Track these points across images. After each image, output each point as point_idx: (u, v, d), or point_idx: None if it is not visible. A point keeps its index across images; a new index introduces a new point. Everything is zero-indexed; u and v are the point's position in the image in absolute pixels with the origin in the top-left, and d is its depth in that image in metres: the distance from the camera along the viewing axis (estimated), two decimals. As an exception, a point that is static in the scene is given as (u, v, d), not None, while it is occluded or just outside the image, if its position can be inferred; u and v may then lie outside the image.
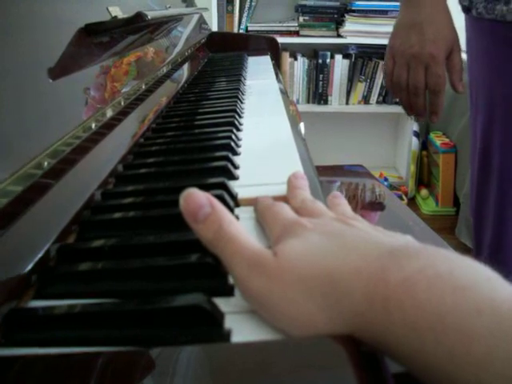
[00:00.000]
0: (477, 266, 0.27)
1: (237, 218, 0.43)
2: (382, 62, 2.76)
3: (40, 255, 0.35)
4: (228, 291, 0.33)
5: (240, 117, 0.77)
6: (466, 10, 0.89)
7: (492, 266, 0.27)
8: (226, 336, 0.28)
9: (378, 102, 2.83)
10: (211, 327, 0.29)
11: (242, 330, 0.29)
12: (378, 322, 0.26)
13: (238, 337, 0.29)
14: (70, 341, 0.29)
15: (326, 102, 2.82)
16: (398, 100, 0.92)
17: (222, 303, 0.31)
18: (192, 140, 0.66)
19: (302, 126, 0.92)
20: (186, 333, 0.29)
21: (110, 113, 0.59)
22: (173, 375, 0.25)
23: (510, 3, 0.78)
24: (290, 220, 0.36)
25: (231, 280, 0.33)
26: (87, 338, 0.29)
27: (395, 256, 0.28)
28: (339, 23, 2.73)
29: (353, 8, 2.64)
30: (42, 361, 0.27)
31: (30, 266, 0.34)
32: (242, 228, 0.34)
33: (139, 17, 0.67)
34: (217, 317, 0.29)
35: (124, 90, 0.67)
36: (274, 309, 0.29)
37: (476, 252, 1.03)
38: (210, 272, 0.33)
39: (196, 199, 0.34)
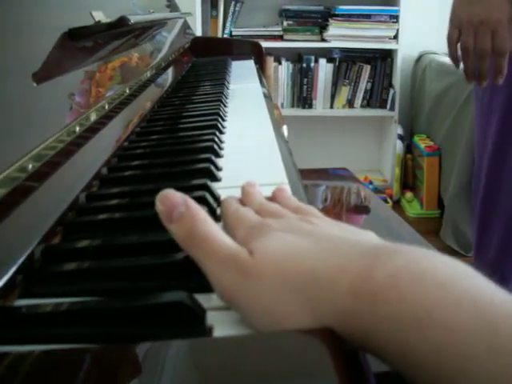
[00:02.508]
0: (457, 263, 0.28)
1: (219, 218, 0.44)
2: (366, 66, 2.78)
3: (25, 256, 0.36)
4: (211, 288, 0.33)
5: (223, 120, 0.78)
6: None
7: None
8: (207, 332, 0.29)
9: (362, 106, 2.85)
10: (193, 323, 0.29)
11: (224, 325, 0.30)
12: (364, 318, 0.27)
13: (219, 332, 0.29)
14: (56, 338, 0.29)
15: (310, 106, 2.84)
16: (462, 67, 1.04)
17: (204, 299, 0.31)
18: (176, 143, 0.66)
19: (284, 128, 0.93)
20: (169, 329, 0.29)
21: (94, 117, 0.59)
22: (161, 370, 0.26)
23: None
24: (256, 221, 0.36)
25: None
26: (73, 335, 0.30)
27: (378, 254, 0.29)
28: (323, 27, 2.75)
29: (336, 12, 2.66)
30: (27, 358, 0.27)
31: (15, 267, 0.34)
32: (216, 227, 0.34)
33: (122, 21, 0.68)
34: (198, 313, 0.30)
35: (108, 94, 0.67)
36: (253, 307, 0.29)
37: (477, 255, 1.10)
38: (193, 270, 0.34)
39: (171, 199, 0.34)
